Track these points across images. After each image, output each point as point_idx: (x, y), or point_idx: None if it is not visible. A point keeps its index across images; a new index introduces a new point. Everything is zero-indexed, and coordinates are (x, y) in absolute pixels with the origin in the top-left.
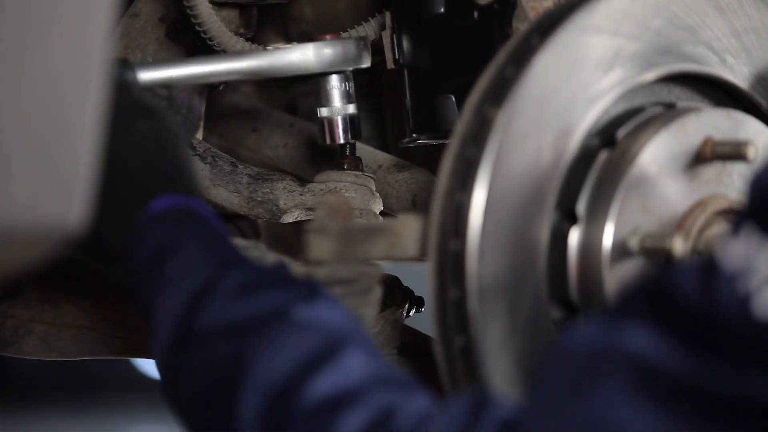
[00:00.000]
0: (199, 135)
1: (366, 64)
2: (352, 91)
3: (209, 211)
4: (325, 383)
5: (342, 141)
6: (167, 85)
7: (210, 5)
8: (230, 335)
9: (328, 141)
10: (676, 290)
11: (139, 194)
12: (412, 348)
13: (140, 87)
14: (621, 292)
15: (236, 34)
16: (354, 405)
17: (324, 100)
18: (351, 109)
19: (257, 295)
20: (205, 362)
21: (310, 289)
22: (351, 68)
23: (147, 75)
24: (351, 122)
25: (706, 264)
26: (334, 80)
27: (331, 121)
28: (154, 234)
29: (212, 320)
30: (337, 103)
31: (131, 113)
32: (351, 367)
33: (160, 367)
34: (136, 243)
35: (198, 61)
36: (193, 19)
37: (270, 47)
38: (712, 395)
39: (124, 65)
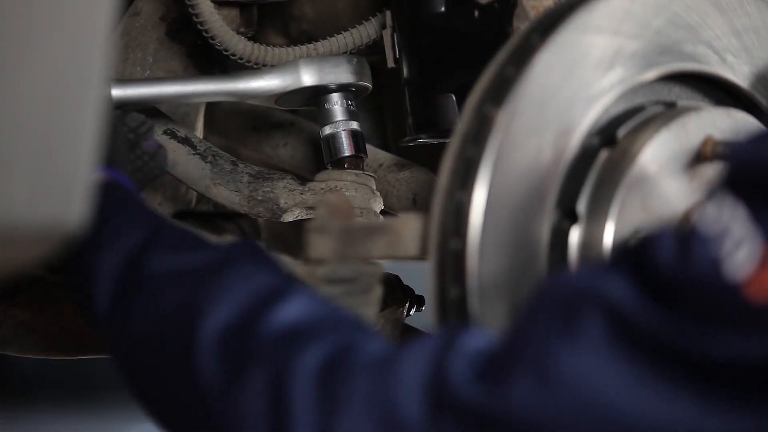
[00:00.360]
0: (200, 134)
1: (367, 82)
2: (353, 108)
3: (131, 185)
4: (281, 318)
5: (347, 155)
6: (144, 123)
7: (211, 4)
8: (177, 281)
9: (333, 157)
10: (655, 252)
11: None
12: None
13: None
14: (611, 253)
15: (237, 33)
16: (312, 338)
17: (326, 118)
18: (354, 125)
19: (198, 248)
20: (152, 310)
21: (249, 246)
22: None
23: (120, 92)
24: (355, 138)
25: (686, 231)
26: (335, 98)
27: (334, 137)
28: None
29: (156, 269)
30: (340, 120)
31: None
32: (303, 305)
33: (102, 325)
34: None
35: (174, 81)
36: (194, 18)
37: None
38: (674, 350)
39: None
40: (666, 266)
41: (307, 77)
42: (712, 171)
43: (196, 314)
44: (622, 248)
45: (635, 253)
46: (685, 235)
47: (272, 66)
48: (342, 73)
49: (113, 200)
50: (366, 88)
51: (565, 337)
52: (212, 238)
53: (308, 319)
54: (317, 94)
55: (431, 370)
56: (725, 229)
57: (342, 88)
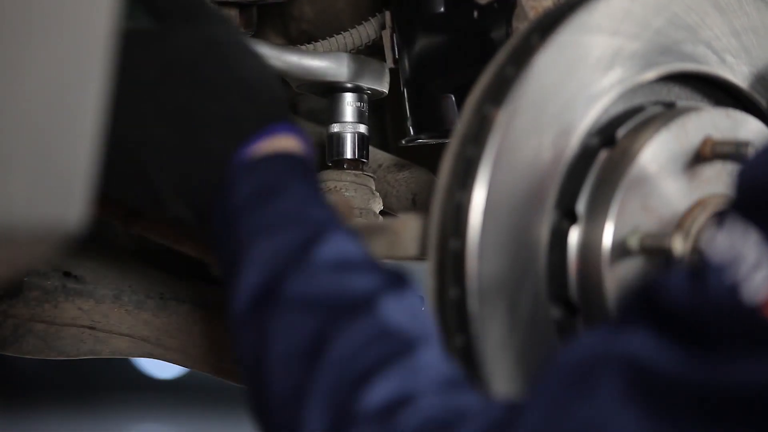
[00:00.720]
0: None
1: (384, 88)
2: (365, 110)
3: (308, 150)
4: (393, 382)
5: (349, 157)
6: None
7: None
8: (317, 309)
9: (334, 157)
10: (666, 291)
11: (228, 134)
12: None
13: None
14: (620, 300)
15: None
16: (411, 407)
17: (336, 116)
18: (361, 128)
19: (350, 272)
20: (285, 333)
21: (399, 279)
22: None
23: None
24: (360, 141)
25: (696, 262)
26: (349, 97)
27: (340, 137)
28: (256, 173)
29: (302, 287)
30: (349, 121)
31: (194, 18)
32: (422, 368)
33: (235, 319)
34: (236, 182)
35: None
36: None
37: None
38: (703, 387)
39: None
40: (680, 303)
41: (346, 73)
42: (711, 171)
43: (320, 353)
44: (627, 296)
45: (642, 298)
46: (696, 269)
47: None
48: (377, 76)
49: (285, 175)
50: (381, 93)
51: (579, 394)
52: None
53: (409, 388)
54: (332, 89)
55: None
56: (739, 255)
57: (357, 89)
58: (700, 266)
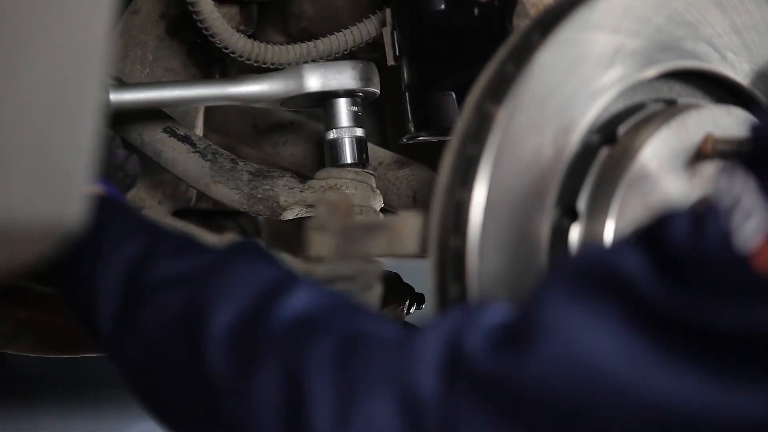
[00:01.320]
0: (199, 132)
1: (374, 87)
2: (360, 113)
3: (120, 193)
4: (288, 310)
5: (349, 161)
6: (112, 137)
7: (211, 2)
8: (181, 284)
9: (334, 163)
10: (668, 228)
11: None
12: None
13: None
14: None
15: (237, 31)
16: (322, 327)
17: (331, 122)
18: (358, 132)
19: (198, 252)
20: (158, 316)
21: (247, 245)
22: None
23: (119, 97)
24: (358, 145)
25: (700, 207)
26: (341, 103)
27: (337, 143)
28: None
29: (159, 276)
30: (344, 126)
31: None
32: (308, 296)
33: (109, 340)
34: None
35: (174, 86)
36: (194, 16)
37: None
38: (682, 322)
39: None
40: (678, 240)
41: (311, 83)
42: (712, 168)
43: (203, 313)
44: (640, 228)
45: (651, 229)
46: (699, 213)
47: (276, 70)
48: (346, 79)
49: (110, 212)
50: (373, 93)
51: (580, 313)
52: (211, 239)
53: (316, 308)
54: (324, 97)
55: (448, 345)
56: (736, 201)
57: (349, 93)
58: (703, 210)
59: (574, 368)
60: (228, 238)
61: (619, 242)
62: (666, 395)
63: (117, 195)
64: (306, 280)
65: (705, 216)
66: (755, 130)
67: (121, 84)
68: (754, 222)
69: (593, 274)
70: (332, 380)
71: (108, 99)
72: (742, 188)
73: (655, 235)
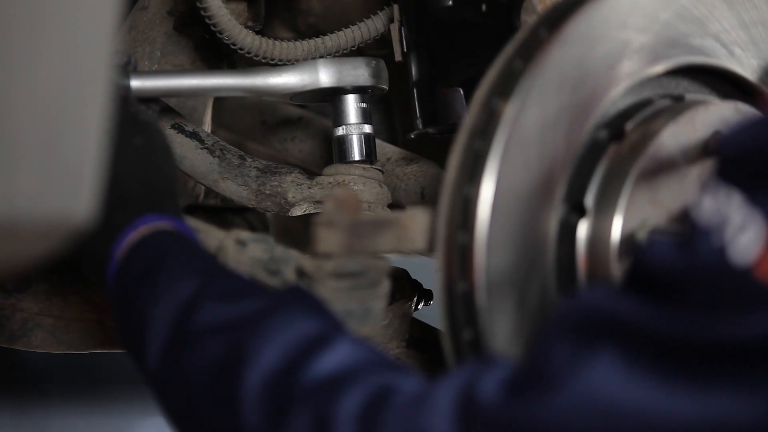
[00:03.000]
0: (208, 128)
1: (384, 84)
2: (368, 109)
3: (189, 229)
4: (324, 364)
5: (357, 158)
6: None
7: None
8: (225, 332)
9: (342, 160)
10: (651, 256)
11: (128, 210)
12: (420, 341)
13: (136, 102)
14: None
15: (244, 27)
16: (353, 383)
17: (339, 119)
18: (366, 128)
19: (247, 297)
20: (201, 360)
21: (296, 293)
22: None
23: (140, 83)
24: (366, 142)
25: (682, 229)
26: (350, 99)
27: (345, 140)
28: (141, 253)
29: (205, 321)
30: (353, 123)
31: (129, 129)
32: (345, 351)
33: (153, 376)
34: (126, 263)
35: (193, 75)
36: (202, 12)
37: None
38: (689, 345)
39: (120, 72)
40: (665, 267)
41: (326, 78)
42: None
43: (241, 362)
44: (628, 264)
45: (633, 267)
46: (682, 235)
47: (291, 64)
48: (360, 76)
49: (172, 248)
50: (382, 90)
51: (583, 357)
52: (219, 236)
53: (351, 364)
54: (333, 92)
55: (461, 395)
56: (724, 218)
57: (358, 90)
58: (686, 232)
59: (590, 413)
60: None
61: (610, 289)
62: (684, 417)
63: (183, 228)
64: (346, 333)
65: (692, 236)
66: (723, 144)
67: (141, 72)
68: (749, 234)
69: (592, 320)
70: (357, 429)
71: (129, 85)
72: (726, 205)
73: (643, 269)
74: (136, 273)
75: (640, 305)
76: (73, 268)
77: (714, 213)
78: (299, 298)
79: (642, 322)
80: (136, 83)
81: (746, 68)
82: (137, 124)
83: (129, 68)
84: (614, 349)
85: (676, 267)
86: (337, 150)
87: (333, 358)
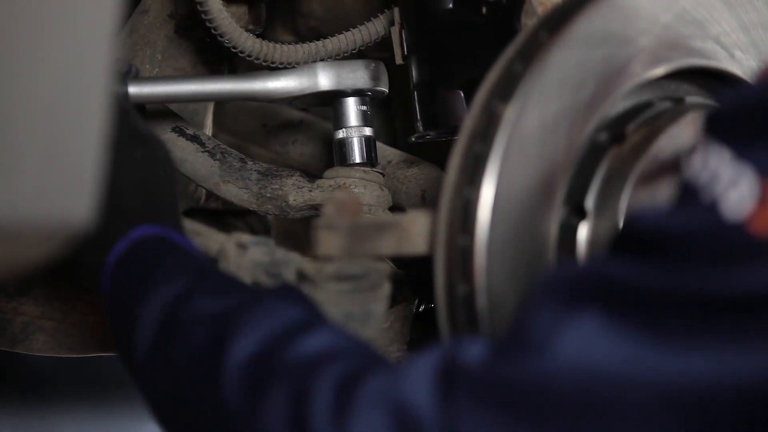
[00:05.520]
0: (209, 132)
1: (383, 87)
2: (368, 112)
3: (185, 240)
4: (305, 347)
5: (357, 161)
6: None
7: (220, 1)
8: (211, 320)
9: (343, 162)
10: (645, 218)
11: (125, 222)
12: (421, 343)
13: (138, 114)
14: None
15: (245, 30)
16: (332, 362)
17: (340, 122)
18: (367, 131)
19: (236, 291)
20: (186, 346)
21: (283, 287)
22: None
23: (138, 90)
24: (366, 144)
25: (674, 189)
26: (350, 102)
27: (346, 143)
28: (133, 262)
29: (193, 312)
30: (353, 126)
31: (129, 142)
32: (327, 337)
33: (139, 369)
34: (119, 270)
35: (191, 80)
36: (203, 15)
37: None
38: (678, 301)
39: (120, 80)
40: (659, 226)
41: (325, 81)
42: None
43: (224, 345)
44: (616, 233)
45: (626, 230)
46: (675, 195)
47: (290, 67)
48: (360, 79)
49: (161, 252)
50: (382, 92)
51: (567, 319)
52: (220, 239)
53: (331, 348)
54: (333, 96)
55: (442, 362)
56: (714, 175)
57: (358, 93)
58: (678, 191)
59: (574, 374)
60: (237, 235)
61: (600, 253)
62: (673, 376)
63: (177, 238)
64: (330, 324)
65: (683, 196)
66: (716, 106)
67: (139, 78)
68: (740, 189)
69: (578, 283)
70: (333, 407)
71: (127, 92)
72: (717, 161)
73: (632, 233)
74: (127, 280)
75: (630, 264)
76: (70, 273)
77: (703, 171)
78: (288, 292)
79: (632, 280)
80: (134, 90)
81: (746, 71)
82: (138, 137)
83: (130, 76)
84: (600, 310)
85: (666, 228)
86: (337, 153)
87: (315, 342)
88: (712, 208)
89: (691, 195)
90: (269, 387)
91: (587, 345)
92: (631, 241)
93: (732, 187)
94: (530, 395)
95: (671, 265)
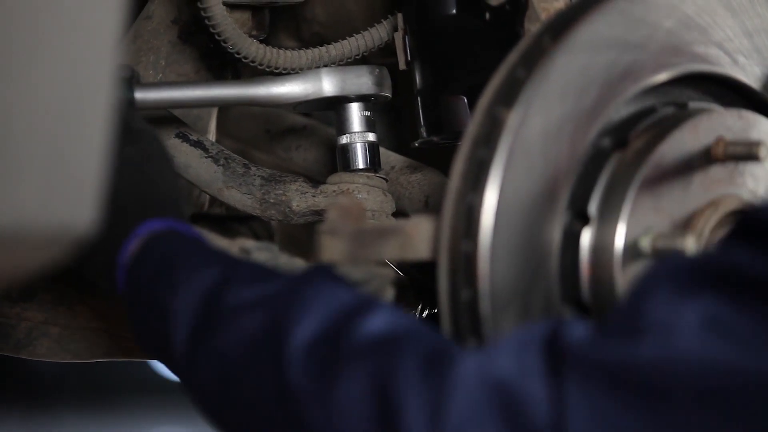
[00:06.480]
0: (212, 137)
1: (387, 92)
2: (372, 118)
3: (194, 230)
4: (371, 327)
5: (361, 167)
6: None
7: (223, 7)
8: (259, 307)
9: (346, 168)
10: (763, 212)
11: (128, 220)
12: None
13: (130, 109)
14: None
15: (249, 36)
16: (407, 343)
17: (343, 127)
18: (370, 137)
19: (275, 278)
20: (236, 336)
21: (323, 269)
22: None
23: (142, 95)
24: (370, 150)
25: None
26: (354, 107)
27: (349, 148)
28: (149, 257)
29: (236, 301)
30: (357, 131)
31: (121, 138)
32: (388, 316)
33: (182, 365)
34: (135, 268)
35: (196, 86)
36: (206, 21)
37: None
38: None
39: (123, 85)
40: None
41: (329, 87)
42: (723, 172)
43: (283, 330)
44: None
45: (742, 220)
46: None
47: (294, 73)
48: (363, 84)
49: (183, 244)
50: (385, 98)
51: (686, 301)
52: (224, 244)
53: (396, 327)
54: (337, 101)
55: (544, 339)
56: None
57: (362, 98)
58: None
59: (700, 358)
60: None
61: (721, 243)
62: None
63: (187, 230)
64: (384, 303)
65: None
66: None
67: (144, 84)
68: None
69: (704, 267)
70: (423, 387)
71: (133, 97)
72: None
73: (751, 223)
74: (148, 277)
75: (751, 253)
76: (80, 277)
77: None
78: (326, 273)
79: (752, 269)
80: (139, 95)
81: (749, 76)
82: (129, 133)
83: (132, 81)
84: (720, 296)
85: None
86: (341, 158)
87: (378, 322)
88: None
89: None
90: (343, 373)
91: (707, 332)
92: (749, 230)
93: None
94: (646, 378)
95: None
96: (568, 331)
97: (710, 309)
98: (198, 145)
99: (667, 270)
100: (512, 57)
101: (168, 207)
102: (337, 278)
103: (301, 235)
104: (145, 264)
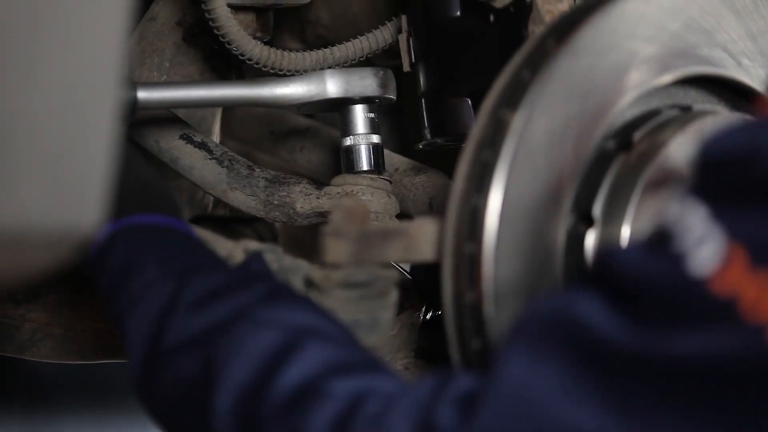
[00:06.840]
0: (216, 139)
1: (391, 94)
2: (376, 119)
3: (174, 221)
4: (291, 376)
5: (365, 169)
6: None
7: (228, 9)
8: (194, 347)
9: (350, 170)
10: (618, 259)
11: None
12: (429, 351)
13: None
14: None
15: (253, 37)
16: (321, 398)
17: (347, 129)
18: (374, 139)
19: (219, 301)
20: (175, 380)
21: (273, 290)
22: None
23: (147, 95)
24: (374, 152)
25: (649, 236)
26: (358, 109)
27: (353, 150)
28: (115, 254)
29: (175, 338)
30: (361, 133)
31: None
32: (313, 357)
33: (135, 386)
34: (100, 264)
35: (200, 86)
36: (211, 23)
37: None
38: (640, 357)
39: (127, 84)
40: (630, 271)
41: (333, 88)
42: None
43: (211, 382)
44: (591, 267)
45: (599, 268)
46: (648, 242)
47: (298, 74)
48: (368, 86)
49: (149, 244)
50: (390, 100)
51: (535, 366)
52: (228, 246)
53: (318, 371)
54: (341, 103)
55: (420, 422)
56: (686, 228)
57: (366, 100)
58: (655, 233)
59: (523, 423)
60: (245, 247)
61: (575, 288)
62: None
63: (160, 222)
64: (316, 333)
65: (656, 244)
66: (698, 155)
67: (148, 83)
68: (707, 248)
69: (548, 328)
70: None
71: (136, 97)
72: (691, 215)
73: (606, 272)
74: (112, 276)
75: (600, 310)
76: (84, 279)
77: (678, 222)
78: (273, 297)
79: (599, 330)
80: (143, 95)
81: (754, 78)
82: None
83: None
84: (567, 359)
85: (636, 273)
86: (345, 160)
87: (300, 368)
88: (680, 260)
89: (664, 241)
90: (261, 430)
91: (545, 395)
92: (602, 277)
93: (700, 244)
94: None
95: (639, 315)
96: (440, 410)
97: (556, 374)
98: (202, 146)
99: (524, 324)
100: (516, 59)
101: (145, 200)
102: (283, 301)
103: (305, 236)
104: (105, 270)
